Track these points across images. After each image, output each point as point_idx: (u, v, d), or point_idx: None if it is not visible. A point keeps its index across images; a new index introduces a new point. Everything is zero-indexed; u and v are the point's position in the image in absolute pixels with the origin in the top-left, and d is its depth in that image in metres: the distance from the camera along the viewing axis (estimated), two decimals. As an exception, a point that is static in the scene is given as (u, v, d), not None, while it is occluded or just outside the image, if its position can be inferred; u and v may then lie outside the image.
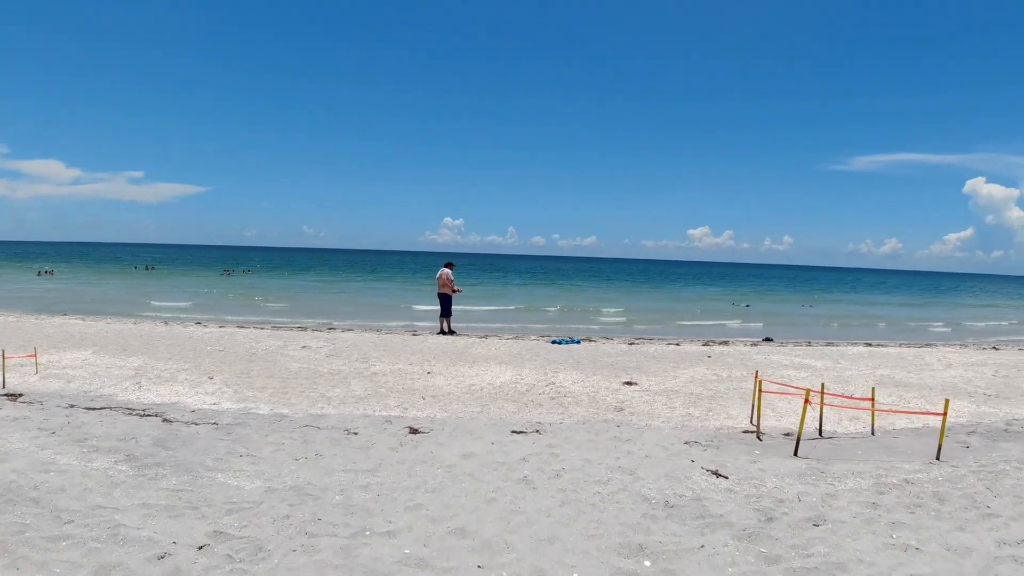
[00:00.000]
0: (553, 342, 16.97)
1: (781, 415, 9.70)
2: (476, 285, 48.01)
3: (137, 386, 10.62)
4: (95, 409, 8.83)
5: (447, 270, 19.07)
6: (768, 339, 20.72)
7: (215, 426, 8.07)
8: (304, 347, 14.68)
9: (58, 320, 19.43)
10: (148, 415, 8.59)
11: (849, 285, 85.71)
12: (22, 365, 11.75)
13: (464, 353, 14.59)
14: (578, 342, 17.15)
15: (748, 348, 17.16)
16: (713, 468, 6.76)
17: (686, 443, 7.85)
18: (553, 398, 10.44)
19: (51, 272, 54.28)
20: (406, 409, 9.48)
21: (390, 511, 5.23)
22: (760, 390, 8.49)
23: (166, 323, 19.53)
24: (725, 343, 18.39)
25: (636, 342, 17.91)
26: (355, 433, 7.86)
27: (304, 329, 18.91)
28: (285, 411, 9.22)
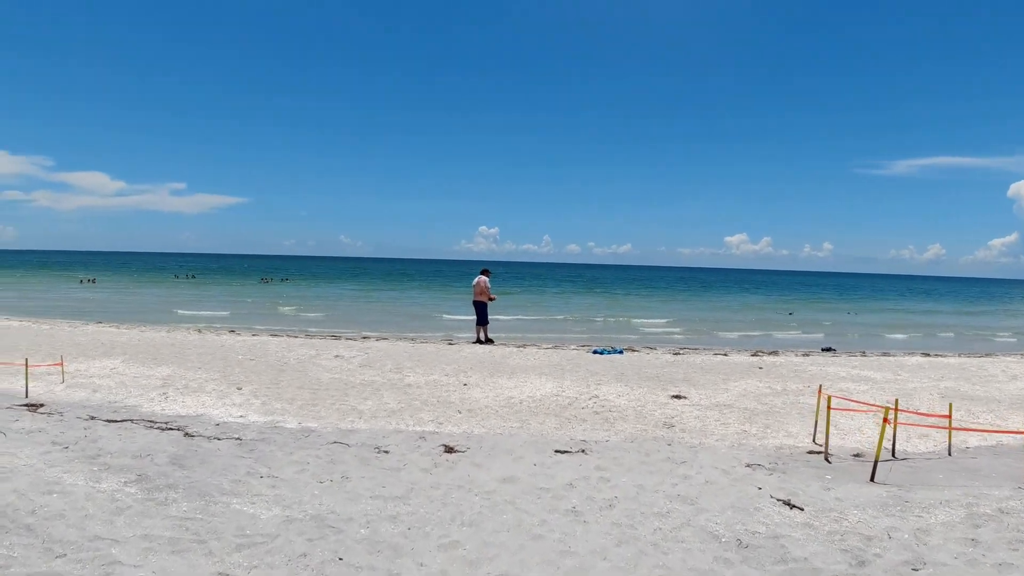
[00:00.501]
0: (594, 352, 16.25)
1: (845, 433, 8.90)
2: (513, 294, 47.45)
3: (163, 396, 10.21)
4: (116, 421, 8.39)
5: (484, 277, 18.50)
6: (829, 349, 19.71)
7: (238, 442, 7.55)
8: (337, 356, 14.19)
9: (92, 328, 19.29)
10: (170, 428, 8.13)
11: (896, 292, 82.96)
12: (49, 374, 11.44)
13: (502, 364, 13.96)
14: (621, 352, 16.40)
15: (800, 359, 16.24)
16: (784, 497, 6.01)
17: (748, 466, 7.10)
18: (597, 412, 9.75)
19: (93, 280, 55.14)
20: (441, 424, 8.87)
21: (422, 549, 4.59)
22: (829, 406, 7.69)
23: (200, 331, 19.28)
24: (775, 353, 17.47)
25: (681, 352, 17.09)
26: (386, 451, 7.26)
27: (338, 338, 18.47)
28: (314, 425, 8.69)
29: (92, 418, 8.54)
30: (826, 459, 7.49)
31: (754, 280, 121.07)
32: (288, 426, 8.62)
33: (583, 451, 7.51)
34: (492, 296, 18.52)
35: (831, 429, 8.97)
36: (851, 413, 9.71)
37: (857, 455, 7.79)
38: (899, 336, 27.49)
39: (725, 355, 16.56)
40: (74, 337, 16.45)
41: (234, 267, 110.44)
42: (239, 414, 9.26)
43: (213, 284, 56.65)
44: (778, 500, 5.92)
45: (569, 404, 10.25)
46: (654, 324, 29.62)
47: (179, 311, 29.31)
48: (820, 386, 8.94)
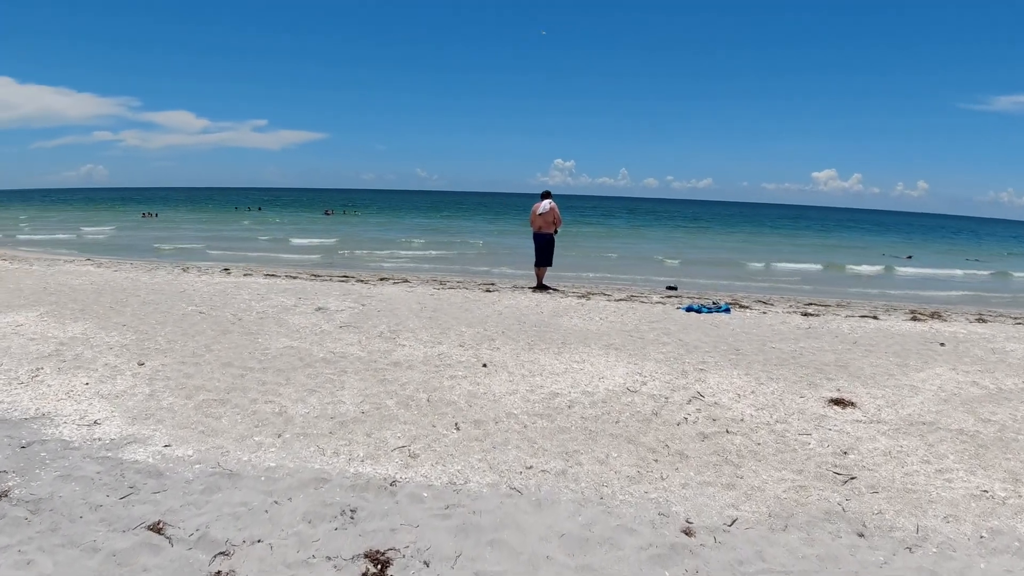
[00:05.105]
0: (687, 309, 11.57)
1: None
2: (580, 230, 42.78)
3: (32, 376, 6.54)
4: None
5: (549, 202, 13.53)
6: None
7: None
8: (319, 309, 10.15)
9: (69, 267, 15.96)
10: None
11: (1015, 238, 71.08)
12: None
13: (551, 325, 9.62)
14: (726, 309, 11.68)
15: (980, 327, 11.21)
16: None
17: None
18: (706, 437, 5.42)
19: (155, 215, 53.59)
20: (414, 459, 4.78)
21: None
22: None
23: (185, 270, 15.65)
24: (938, 316, 12.44)
25: (811, 312, 12.16)
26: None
27: (346, 280, 14.43)
28: (186, 453, 4.80)
29: None
30: None
31: (854, 219, 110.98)
32: (136, 456, 4.73)
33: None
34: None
35: None
36: None
37: None
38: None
39: (875, 318, 11.64)
40: (22, 281, 12.97)
41: (308, 200, 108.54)
42: (95, 418, 5.48)
43: (275, 218, 53.99)
44: None
45: (654, 413, 5.94)
46: (757, 270, 24.54)
47: (202, 249, 26.21)
48: None
